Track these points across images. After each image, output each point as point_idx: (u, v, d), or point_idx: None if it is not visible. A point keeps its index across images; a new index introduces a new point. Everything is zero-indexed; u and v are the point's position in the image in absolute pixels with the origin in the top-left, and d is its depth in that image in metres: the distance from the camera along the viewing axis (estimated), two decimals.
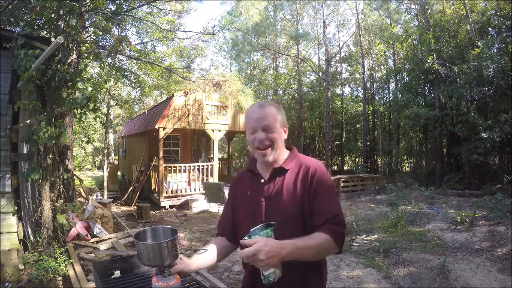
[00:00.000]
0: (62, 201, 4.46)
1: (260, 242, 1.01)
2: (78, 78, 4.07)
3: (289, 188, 1.26)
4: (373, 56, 20.62)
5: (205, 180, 9.22)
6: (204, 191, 8.58)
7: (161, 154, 8.84)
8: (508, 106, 10.27)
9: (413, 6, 15.78)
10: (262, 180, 1.33)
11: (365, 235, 6.11)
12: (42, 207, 4.00)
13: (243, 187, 1.40)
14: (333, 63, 20.64)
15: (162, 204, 8.56)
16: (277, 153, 1.30)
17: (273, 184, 1.29)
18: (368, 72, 20.37)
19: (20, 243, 3.79)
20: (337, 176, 11.66)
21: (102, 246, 4.80)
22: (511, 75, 10.02)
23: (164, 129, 8.76)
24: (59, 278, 3.56)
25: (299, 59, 19.69)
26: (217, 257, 1.37)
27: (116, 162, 18.54)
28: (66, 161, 5.34)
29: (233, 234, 1.41)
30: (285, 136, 1.33)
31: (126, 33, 11.65)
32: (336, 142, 21.74)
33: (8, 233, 3.69)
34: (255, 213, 1.28)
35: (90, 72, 12.16)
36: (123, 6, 8.36)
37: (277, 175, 1.30)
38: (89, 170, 22.14)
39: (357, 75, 22.09)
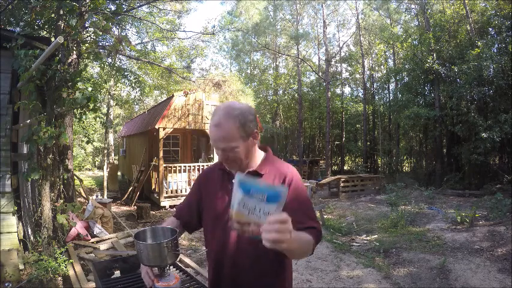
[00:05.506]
0: (62, 201, 4.45)
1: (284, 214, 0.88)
2: (78, 78, 4.07)
3: None
4: (373, 56, 20.63)
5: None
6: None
7: (161, 154, 8.84)
8: (508, 106, 10.27)
9: (413, 6, 15.78)
10: (234, 181, 1.26)
11: (365, 235, 6.11)
12: (42, 207, 4.00)
13: (213, 185, 1.34)
14: (333, 63, 20.65)
15: (162, 204, 8.56)
16: (245, 162, 1.24)
17: None
18: (368, 72, 20.38)
19: (20, 243, 3.79)
20: (337, 176, 11.66)
21: (102, 246, 4.80)
22: (511, 75, 10.02)
23: (164, 129, 8.75)
24: (59, 278, 3.56)
25: (299, 59, 19.69)
26: None
27: (116, 162, 18.53)
28: (66, 161, 5.34)
29: (188, 223, 1.42)
30: (255, 141, 1.24)
31: (126, 33, 11.64)
32: (336, 142, 21.76)
33: (8, 233, 3.69)
34: (225, 219, 1.23)
35: (90, 72, 12.15)
36: (123, 6, 8.35)
37: None
38: (89, 170, 22.13)
39: (357, 75, 22.12)
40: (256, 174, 1.24)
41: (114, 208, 8.41)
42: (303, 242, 1.08)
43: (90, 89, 3.97)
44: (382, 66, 20.96)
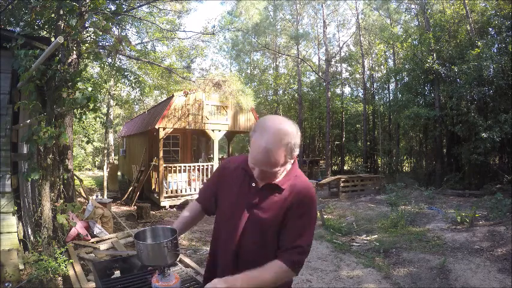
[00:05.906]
0: (62, 201, 4.45)
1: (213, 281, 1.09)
2: (78, 78, 4.07)
3: (276, 207, 1.23)
4: (373, 56, 20.62)
5: (205, 180, 9.22)
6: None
7: (161, 154, 8.84)
8: (508, 106, 10.27)
9: (413, 6, 15.77)
10: (254, 184, 1.28)
11: (365, 235, 6.11)
12: (42, 207, 4.00)
13: (232, 181, 1.35)
14: (333, 63, 20.64)
15: (162, 204, 8.56)
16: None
17: (263, 195, 1.25)
18: (368, 72, 20.37)
19: (20, 243, 3.79)
20: (337, 176, 11.66)
21: (102, 246, 4.80)
22: (511, 75, 10.01)
23: (164, 129, 8.76)
24: (59, 278, 3.56)
25: (299, 59, 19.68)
26: (190, 225, 1.50)
27: (116, 162, 18.53)
28: (66, 161, 5.34)
29: (208, 207, 1.46)
30: (292, 161, 1.23)
31: (126, 33, 11.62)
32: (336, 142, 21.75)
33: (8, 233, 3.69)
34: (234, 217, 1.27)
35: (90, 72, 12.14)
36: (123, 6, 8.35)
37: (271, 190, 1.26)
38: (89, 170, 22.13)
39: (357, 75, 22.10)
40: (277, 188, 1.25)
41: (114, 208, 8.41)
42: (259, 282, 1.13)
43: (90, 89, 3.97)
44: (382, 66, 20.96)
